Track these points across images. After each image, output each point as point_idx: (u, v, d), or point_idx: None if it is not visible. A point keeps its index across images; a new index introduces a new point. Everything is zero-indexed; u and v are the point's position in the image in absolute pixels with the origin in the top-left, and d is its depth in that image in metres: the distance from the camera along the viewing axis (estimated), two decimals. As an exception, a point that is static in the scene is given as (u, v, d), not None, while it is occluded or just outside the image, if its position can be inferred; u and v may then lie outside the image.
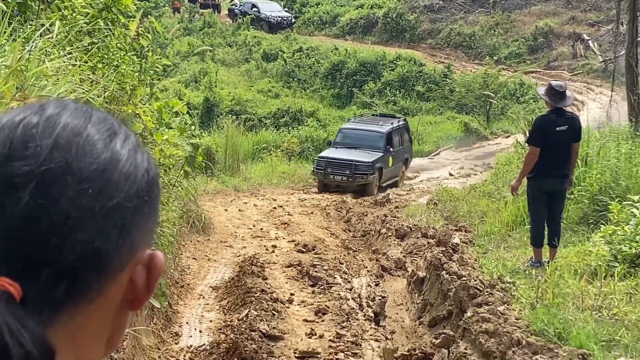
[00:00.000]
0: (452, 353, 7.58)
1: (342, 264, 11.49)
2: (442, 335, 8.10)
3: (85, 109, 0.95)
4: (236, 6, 54.52)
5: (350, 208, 18.34)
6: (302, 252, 12.23)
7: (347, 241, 14.26)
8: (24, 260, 0.85)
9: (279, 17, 51.55)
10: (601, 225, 10.44)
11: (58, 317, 0.88)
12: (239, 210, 17.47)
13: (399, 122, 26.23)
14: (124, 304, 0.97)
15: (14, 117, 0.91)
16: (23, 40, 5.93)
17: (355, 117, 30.25)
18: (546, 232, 9.99)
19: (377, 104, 38.76)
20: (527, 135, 12.20)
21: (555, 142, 9.57)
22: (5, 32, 5.82)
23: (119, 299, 0.95)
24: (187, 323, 8.64)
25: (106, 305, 0.93)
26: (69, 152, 0.88)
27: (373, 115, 30.31)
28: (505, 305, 8.18)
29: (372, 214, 16.92)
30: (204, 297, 9.76)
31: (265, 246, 12.93)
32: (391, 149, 24.10)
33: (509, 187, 11.51)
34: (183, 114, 11.41)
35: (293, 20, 52.09)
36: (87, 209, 0.87)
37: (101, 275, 0.90)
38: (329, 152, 24.11)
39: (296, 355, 7.08)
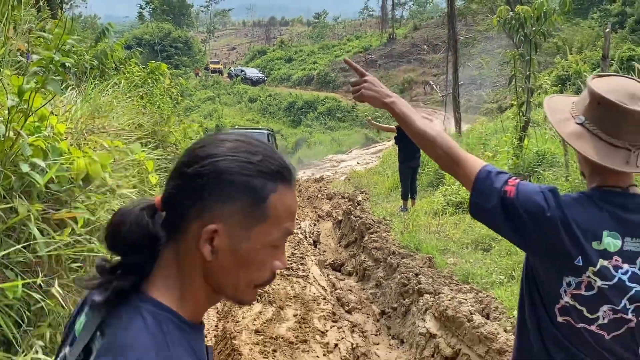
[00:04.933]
0: (356, 260, 7.69)
1: (295, 215, 11.45)
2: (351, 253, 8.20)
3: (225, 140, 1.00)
4: (232, 71, 54.38)
5: (300, 184, 18.32)
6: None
7: (297, 202, 14.21)
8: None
9: (257, 76, 51.00)
10: (439, 187, 10.64)
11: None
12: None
13: (268, 131, 21.85)
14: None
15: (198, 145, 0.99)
16: (100, 91, 5.86)
17: (233, 128, 26.75)
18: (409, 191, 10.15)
19: (315, 124, 38.76)
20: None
21: (411, 142, 9.61)
22: (91, 86, 5.74)
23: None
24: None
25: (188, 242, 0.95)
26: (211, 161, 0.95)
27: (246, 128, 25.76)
28: (386, 232, 8.28)
29: (313, 186, 16.94)
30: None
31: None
32: None
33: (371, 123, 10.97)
34: (199, 133, 11.30)
35: (265, 78, 51.59)
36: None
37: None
38: None
39: (269, 266, 7.06)
